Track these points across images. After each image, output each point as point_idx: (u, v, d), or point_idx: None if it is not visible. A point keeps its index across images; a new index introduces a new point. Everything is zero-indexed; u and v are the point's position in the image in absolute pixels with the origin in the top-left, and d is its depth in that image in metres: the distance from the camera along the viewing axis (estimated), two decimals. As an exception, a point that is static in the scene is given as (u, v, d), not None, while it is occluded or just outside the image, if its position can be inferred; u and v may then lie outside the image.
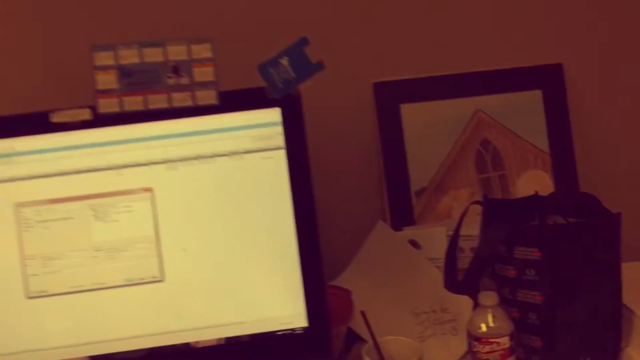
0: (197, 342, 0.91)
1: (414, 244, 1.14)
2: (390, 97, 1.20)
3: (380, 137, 1.20)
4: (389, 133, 1.21)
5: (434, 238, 1.15)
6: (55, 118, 0.90)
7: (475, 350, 0.86)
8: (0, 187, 0.90)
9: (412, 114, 1.21)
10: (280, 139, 0.92)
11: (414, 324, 1.06)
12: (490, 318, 0.86)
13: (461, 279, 0.90)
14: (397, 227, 1.18)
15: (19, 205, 0.90)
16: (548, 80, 1.23)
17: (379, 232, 1.17)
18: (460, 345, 1.02)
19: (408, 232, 1.16)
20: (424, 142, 1.22)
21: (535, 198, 0.95)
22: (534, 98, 1.23)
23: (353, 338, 1.02)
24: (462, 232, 1.00)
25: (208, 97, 0.92)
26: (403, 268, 1.12)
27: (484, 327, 0.86)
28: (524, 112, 1.23)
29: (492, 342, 0.85)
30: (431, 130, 1.22)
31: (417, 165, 1.21)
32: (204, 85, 0.91)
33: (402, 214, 1.20)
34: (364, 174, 1.23)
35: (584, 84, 1.23)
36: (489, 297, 0.87)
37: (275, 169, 0.93)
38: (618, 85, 1.24)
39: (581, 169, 1.22)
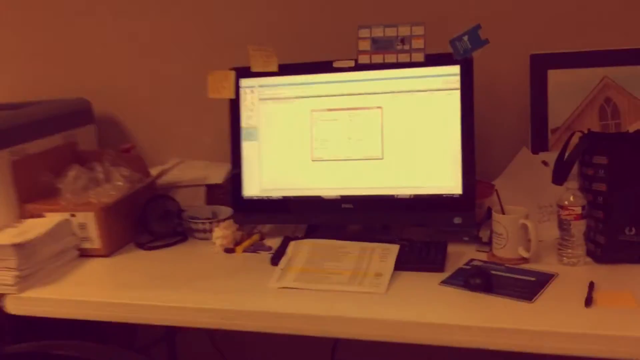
0: (397, 195, 1.46)
1: (545, 163, 1.50)
2: (541, 64, 1.55)
3: (531, 91, 1.57)
4: (537, 89, 1.56)
5: (559, 160, 1.50)
6: (336, 64, 1.48)
7: (559, 214, 1.28)
8: (303, 100, 1.50)
9: (556, 77, 1.55)
10: (457, 84, 1.41)
11: (538, 213, 1.46)
12: (571, 195, 1.25)
13: (559, 173, 1.34)
14: (535, 152, 1.55)
15: (312, 111, 1.49)
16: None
17: (523, 154, 1.57)
18: (564, 227, 1.43)
19: (541, 155, 1.53)
20: (561, 96, 1.55)
21: (623, 132, 1.33)
22: (653, 71, 1.49)
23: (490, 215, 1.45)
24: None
25: (419, 57, 1.42)
26: (536, 178, 1.49)
27: (566, 200, 1.26)
28: (643, 80, 1.50)
29: (569, 209, 1.25)
30: (568, 88, 1.55)
31: (554, 111, 1.56)
32: (417, 50, 1.42)
33: (540, 144, 1.56)
34: (517, 115, 1.60)
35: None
36: (572, 183, 1.27)
37: (453, 102, 1.41)
38: None
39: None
